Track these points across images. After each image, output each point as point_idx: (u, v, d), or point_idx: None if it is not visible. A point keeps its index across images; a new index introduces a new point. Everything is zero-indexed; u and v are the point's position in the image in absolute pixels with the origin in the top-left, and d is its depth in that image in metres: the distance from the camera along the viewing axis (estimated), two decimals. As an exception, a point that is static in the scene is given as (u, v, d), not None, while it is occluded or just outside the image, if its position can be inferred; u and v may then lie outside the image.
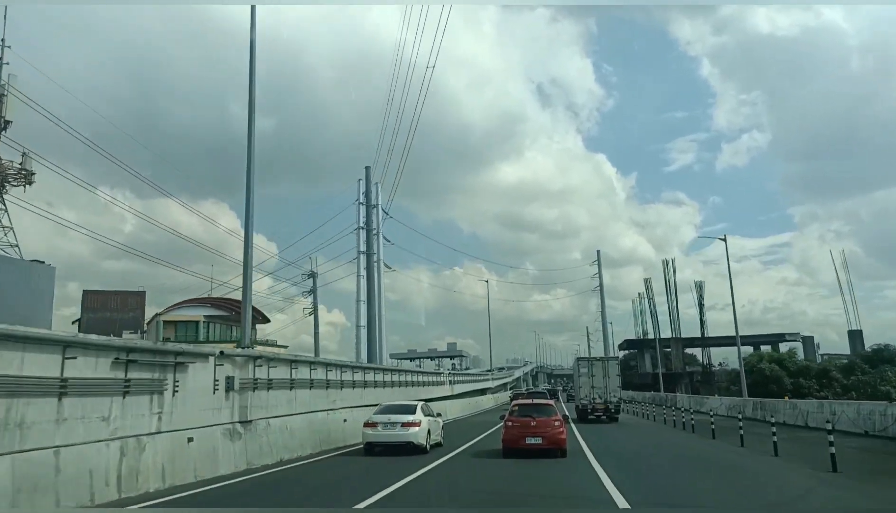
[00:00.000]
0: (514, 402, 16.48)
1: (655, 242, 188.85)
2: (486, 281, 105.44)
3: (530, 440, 14.46)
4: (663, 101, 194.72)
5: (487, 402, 61.02)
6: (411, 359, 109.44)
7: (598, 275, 68.63)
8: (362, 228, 44.01)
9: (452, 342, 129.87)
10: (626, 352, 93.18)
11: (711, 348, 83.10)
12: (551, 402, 16.21)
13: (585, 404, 29.66)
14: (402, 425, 16.30)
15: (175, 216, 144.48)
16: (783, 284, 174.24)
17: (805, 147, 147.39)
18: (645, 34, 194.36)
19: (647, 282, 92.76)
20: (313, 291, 43.68)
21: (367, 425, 16.60)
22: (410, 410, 16.99)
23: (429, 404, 19.19)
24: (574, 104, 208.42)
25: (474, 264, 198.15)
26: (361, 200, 44.05)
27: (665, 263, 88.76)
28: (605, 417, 29.07)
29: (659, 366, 70.72)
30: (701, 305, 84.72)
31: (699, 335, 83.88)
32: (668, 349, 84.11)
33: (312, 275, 44.49)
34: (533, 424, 14.72)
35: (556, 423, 14.74)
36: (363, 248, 43.53)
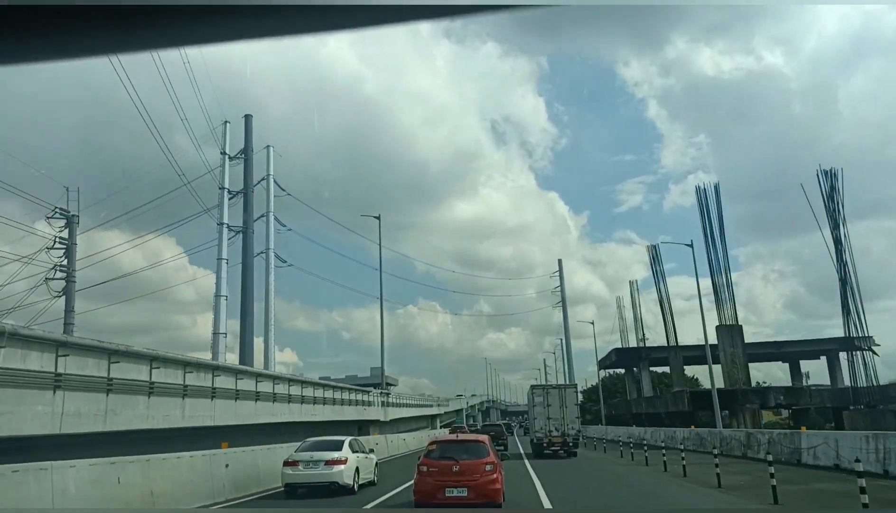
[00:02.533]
0: (433, 441, 12.69)
1: (608, 281, 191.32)
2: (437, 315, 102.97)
3: (452, 492, 10.57)
4: (613, 141, 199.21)
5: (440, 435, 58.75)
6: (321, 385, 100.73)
7: (559, 288, 67.55)
8: (226, 190, 38.74)
9: (377, 367, 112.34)
10: (610, 372, 78.55)
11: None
12: (483, 438, 12.17)
13: (541, 437, 27.36)
14: (325, 463, 14.86)
15: (115, 251, 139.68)
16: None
17: (749, 189, 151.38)
18: (595, 74, 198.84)
19: (632, 285, 71.07)
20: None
21: (286, 463, 15.01)
22: (336, 446, 15.66)
23: (359, 439, 17.61)
24: (527, 142, 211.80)
25: (429, 302, 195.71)
26: (225, 151, 39.25)
27: (631, 283, 70.07)
28: (562, 451, 26.98)
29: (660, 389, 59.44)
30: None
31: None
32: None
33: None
34: (455, 469, 10.76)
35: (489, 467, 10.87)
36: (227, 219, 38.72)
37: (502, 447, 37.28)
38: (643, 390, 61.29)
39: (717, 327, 43.95)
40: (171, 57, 34.01)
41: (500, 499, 10.87)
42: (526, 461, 24.40)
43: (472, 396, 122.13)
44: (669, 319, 56.63)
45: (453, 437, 12.95)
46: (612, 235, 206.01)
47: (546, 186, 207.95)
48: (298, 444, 16.31)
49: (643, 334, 65.71)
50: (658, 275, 59.04)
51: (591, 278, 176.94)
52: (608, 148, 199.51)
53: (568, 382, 43.54)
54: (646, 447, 24.45)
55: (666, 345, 56.73)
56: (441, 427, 70.17)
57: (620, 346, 67.32)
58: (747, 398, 43.32)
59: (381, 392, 47.51)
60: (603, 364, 68.19)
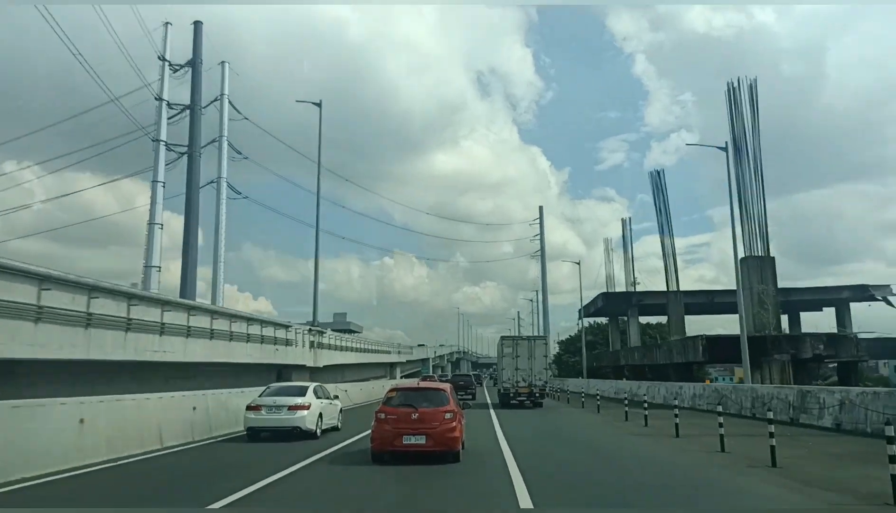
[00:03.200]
0: (392, 388, 12.27)
1: (585, 238, 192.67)
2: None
3: (409, 439, 10.35)
4: (598, 96, 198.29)
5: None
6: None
7: (538, 236, 65.56)
8: (164, 103, 34.82)
9: (340, 313, 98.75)
10: (591, 322, 72.70)
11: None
12: (445, 387, 11.94)
13: (508, 387, 27.71)
14: (288, 409, 15.01)
15: (89, 193, 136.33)
16: (700, 281, 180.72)
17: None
18: (584, 24, 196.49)
19: (624, 223, 62.73)
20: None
21: (249, 408, 15.14)
22: (301, 392, 15.83)
23: (324, 386, 17.61)
24: (512, 95, 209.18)
25: (405, 255, 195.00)
26: (165, 56, 35.33)
27: (623, 220, 63.71)
28: (528, 402, 27.43)
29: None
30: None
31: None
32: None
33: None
34: (414, 416, 10.54)
35: (448, 415, 10.65)
36: (164, 135, 35.10)
37: (470, 397, 37.89)
38: (630, 340, 55.66)
39: (741, 260, 32.54)
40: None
41: (458, 447, 10.76)
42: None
43: (440, 346, 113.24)
44: (671, 259, 48.01)
45: (413, 384, 12.97)
46: (591, 193, 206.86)
47: (529, 141, 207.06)
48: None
49: (634, 278, 59.23)
50: (662, 204, 50.23)
51: (569, 235, 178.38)
52: (593, 104, 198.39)
53: (537, 334, 43.99)
54: (645, 405, 19.67)
55: (661, 290, 50.18)
56: (402, 378, 65.93)
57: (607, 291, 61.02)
58: (779, 347, 34.68)
59: (310, 329, 37.20)
60: (587, 311, 61.36)
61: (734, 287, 28.26)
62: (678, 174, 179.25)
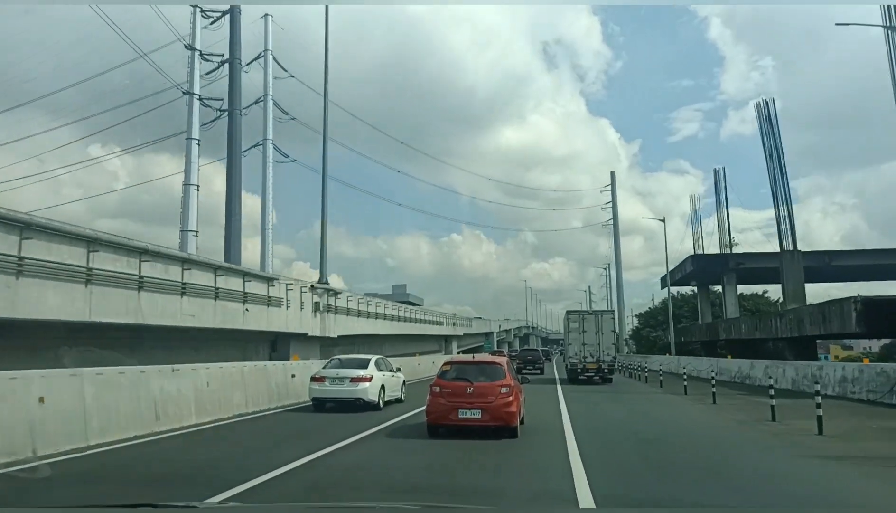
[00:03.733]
0: (447, 361, 12.08)
1: (657, 212, 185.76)
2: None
3: (464, 413, 10.20)
4: (670, 64, 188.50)
5: None
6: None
7: (609, 204, 62.15)
8: (197, 53, 31.70)
9: (400, 284, 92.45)
10: (678, 293, 62.35)
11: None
12: (501, 361, 11.58)
13: (575, 363, 27.18)
14: (351, 380, 15.32)
15: (167, 175, 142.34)
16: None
17: (815, 117, 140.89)
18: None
19: (716, 174, 52.10)
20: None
21: (314, 379, 15.54)
22: (363, 364, 16.09)
23: (386, 358, 17.80)
24: (579, 66, 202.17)
25: (473, 231, 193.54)
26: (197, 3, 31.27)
27: (716, 171, 53.54)
28: (597, 377, 26.83)
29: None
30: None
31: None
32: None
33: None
34: (469, 390, 10.36)
35: (504, 389, 10.42)
36: (198, 88, 31.83)
37: (539, 371, 37.86)
38: (726, 311, 46.26)
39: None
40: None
41: (515, 422, 10.46)
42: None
43: (506, 320, 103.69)
44: (784, 208, 37.18)
45: (469, 358, 12.52)
46: (663, 165, 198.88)
47: (597, 113, 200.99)
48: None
49: (730, 238, 50.75)
50: (772, 135, 38.16)
51: (641, 210, 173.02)
52: (664, 72, 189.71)
53: (605, 309, 42.75)
54: (771, 391, 14.02)
55: (765, 251, 41.72)
56: (459, 353, 57.12)
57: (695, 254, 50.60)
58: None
59: (314, 287, 28.30)
60: (672, 278, 50.60)
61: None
62: (758, 143, 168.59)
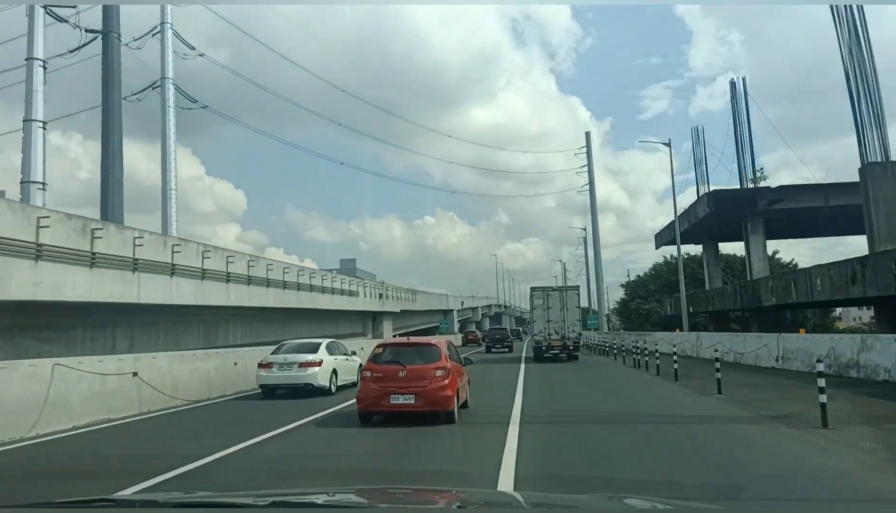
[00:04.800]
0: (380, 344, 11.37)
1: (629, 190, 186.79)
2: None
3: (397, 399, 9.60)
4: (639, 39, 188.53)
5: None
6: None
7: (585, 167, 57.25)
8: None
9: (349, 259, 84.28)
10: (669, 257, 52.29)
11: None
12: (438, 342, 10.92)
13: (539, 340, 26.68)
14: (299, 366, 14.84)
15: (131, 161, 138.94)
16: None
17: (781, 90, 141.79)
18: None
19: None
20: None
21: (261, 366, 15.02)
22: (312, 349, 15.62)
23: (339, 342, 17.27)
24: (549, 43, 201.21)
25: (447, 213, 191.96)
26: None
27: (732, 82, 44.02)
28: (563, 355, 26.33)
29: None
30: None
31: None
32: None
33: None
34: (401, 374, 9.74)
35: (439, 372, 9.77)
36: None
37: (507, 349, 37.83)
38: (752, 270, 35.44)
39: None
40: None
41: (450, 406, 9.80)
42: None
43: (472, 297, 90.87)
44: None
45: (403, 340, 11.71)
46: (635, 143, 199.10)
47: (567, 91, 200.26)
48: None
49: (755, 170, 38.70)
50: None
51: (612, 187, 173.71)
52: (634, 48, 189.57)
53: (569, 284, 42.28)
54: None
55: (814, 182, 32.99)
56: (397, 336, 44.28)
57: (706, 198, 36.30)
58: None
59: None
60: (687, 221, 37.62)
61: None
62: (727, 118, 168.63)
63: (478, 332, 59.99)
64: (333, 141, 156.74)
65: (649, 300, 53.67)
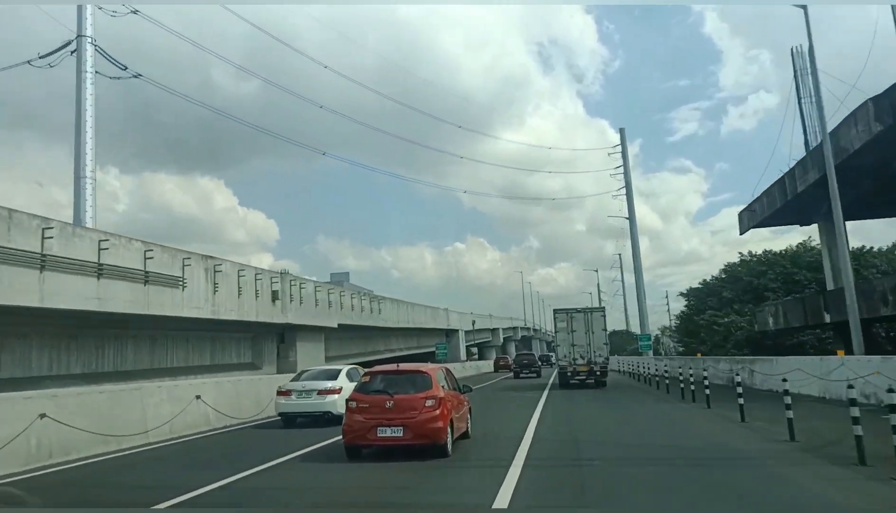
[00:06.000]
0: (367, 371, 10.60)
1: (661, 212, 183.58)
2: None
3: (384, 431, 9.06)
4: (666, 62, 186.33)
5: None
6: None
7: (621, 167, 49.67)
8: None
9: (341, 273, 75.63)
10: (753, 253, 42.35)
11: None
12: (429, 370, 10.15)
13: (565, 366, 25.78)
14: (318, 393, 14.78)
15: (167, 194, 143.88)
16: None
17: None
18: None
19: None
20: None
21: (280, 393, 15.13)
22: (332, 375, 15.56)
23: (359, 368, 17.51)
24: (576, 66, 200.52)
25: (476, 239, 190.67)
26: None
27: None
28: (590, 380, 25.45)
29: None
30: None
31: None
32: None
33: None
34: (389, 405, 9.20)
35: (430, 402, 9.21)
36: None
37: (535, 374, 37.60)
38: None
39: None
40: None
41: (442, 439, 9.15)
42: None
43: (489, 316, 79.76)
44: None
45: (392, 367, 10.64)
46: (664, 164, 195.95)
47: (595, 114, 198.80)
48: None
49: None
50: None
51: (644, 210, 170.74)
52: (662, 70, 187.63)
53: (595, 306, 40.43)
54: None
55: None
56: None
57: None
58: None
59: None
60: (789, 190, 25.75)
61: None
62: (760, 137, 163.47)
63: (509, 358, 59.32)
64: (357, 171, 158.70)
65: (727, 312, 38.97)
